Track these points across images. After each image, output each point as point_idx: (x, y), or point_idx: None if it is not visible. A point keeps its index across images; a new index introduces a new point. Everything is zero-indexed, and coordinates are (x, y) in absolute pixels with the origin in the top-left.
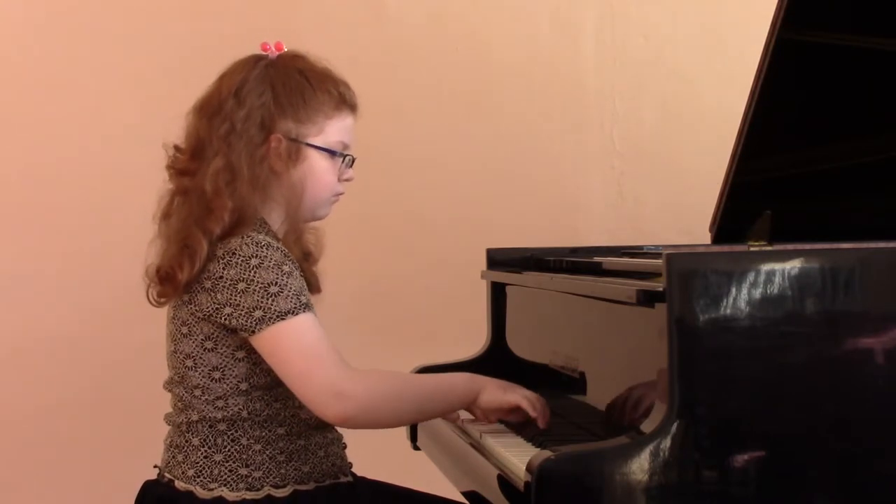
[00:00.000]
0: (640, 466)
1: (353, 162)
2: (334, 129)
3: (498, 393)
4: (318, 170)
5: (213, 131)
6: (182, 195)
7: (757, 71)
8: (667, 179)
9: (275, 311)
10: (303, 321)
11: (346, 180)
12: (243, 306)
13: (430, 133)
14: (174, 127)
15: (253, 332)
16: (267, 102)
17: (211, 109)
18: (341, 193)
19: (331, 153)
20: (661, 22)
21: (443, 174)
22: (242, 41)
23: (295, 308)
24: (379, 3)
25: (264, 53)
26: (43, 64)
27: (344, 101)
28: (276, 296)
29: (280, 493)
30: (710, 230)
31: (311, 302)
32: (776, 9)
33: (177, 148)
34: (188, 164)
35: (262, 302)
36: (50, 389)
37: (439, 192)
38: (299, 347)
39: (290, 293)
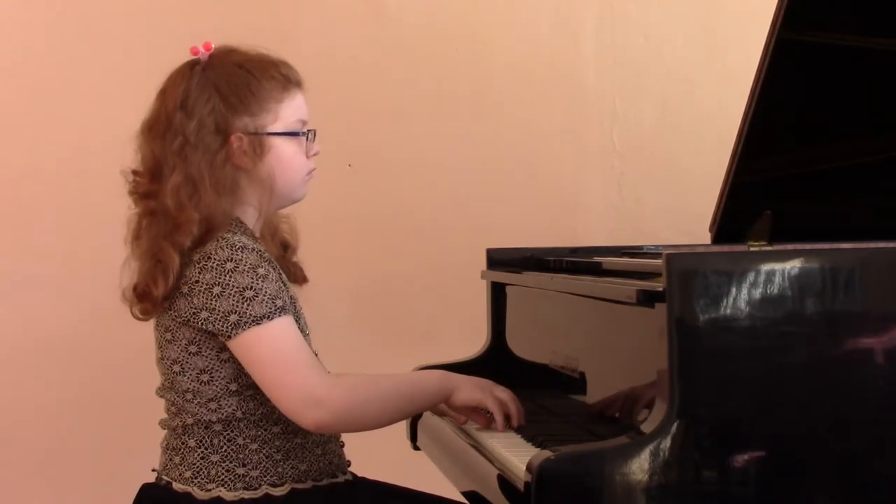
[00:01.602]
0: (640, 466)
1: (315, 136)
2: (289, 111)
3: (475, 393)
4: (286, 155)
5: (167, 148)
6: (149, 216)
7: (757, 71)
8: (667, 179)
9: (250, 315)
10: (278, 325)
11: (315, 155)
12: (219, 310)
13: (429, 133)
14: None
15: (229, 336)
16: (216, 106)
17: (161, 127)
18: (313, 169)
19: (293, 135)
20: (661, 22)
21: (443, 174)
22: (242, 41)
23: (270, 312)
24: (379, 3)
25: (195, 57)
26: (44, 64)
27: (289, 80)
28: (251, 300)
29: (278, 491)
30: (710, 230)
31: (289, 304)
32: (776, 9)
33: (135, 172)
34: (149, 186)
35: (237, 306)
36: (49, 391)
37: (439, 192)
38: (274, 352)
39: (266, 297)
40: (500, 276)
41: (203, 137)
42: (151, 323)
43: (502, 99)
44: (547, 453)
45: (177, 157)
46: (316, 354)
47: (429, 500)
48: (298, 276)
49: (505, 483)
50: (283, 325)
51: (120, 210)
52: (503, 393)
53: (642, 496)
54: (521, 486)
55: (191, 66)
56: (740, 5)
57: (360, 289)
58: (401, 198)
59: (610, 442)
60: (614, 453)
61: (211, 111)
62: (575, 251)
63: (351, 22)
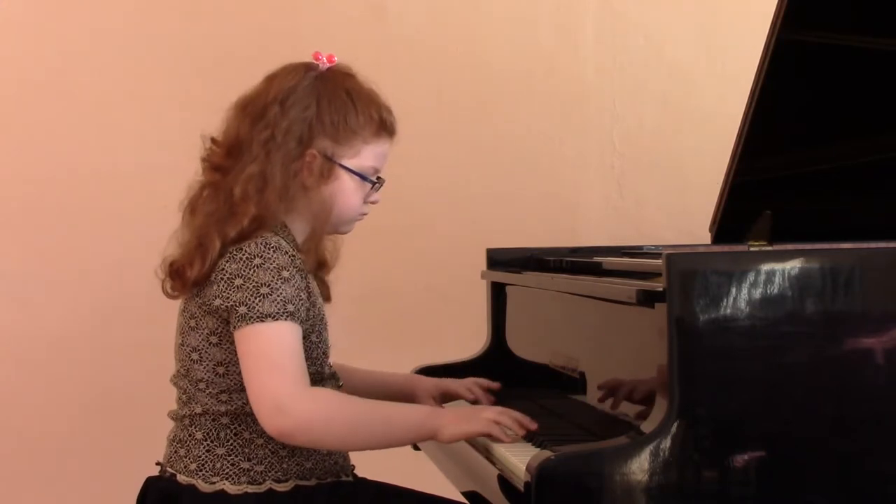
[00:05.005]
0: (640, 466)
1: (380, 187)
2: (369, 154)
3: (461, 427)
4: (346, 190)
5: (254, 135)
6: (212, 189)
7: (757, 71)
8: (667, 179)
9: (257, 311)
10: (279, 328)
11: (372, 202)
12: (232, 300)
13: (430, 133)
14: (176, 127)
15: (235, 327)
16: (309, 117)
17: (255, 111)
18: (365, 214)
19: (361, 177)
20: (661, 22)
21: (443, 174)
22: (243, 40)
23: (277, 314)
24: (379, 3)
25: (315, 63)
26: (44, 64)
27: (384, 127)
28: (264, 297)
29: (282, 487)
30: (710, 230)
31: (303, 314)
32: (776, 9)
33: (214, 141)
34: (223, 160)
35: (248, 300)
36: (52, 388)
37: (439, 192)
38: (264, 352)
39: (279, 298)
40: (500, 276)
41: (287, 140)
42: (152, 322)
43: (502, 99)
44: (547, 453)
45: (261, 148)
46: (329, 347)
47: (429, 500)
48: (324, 294)
49: (505, 483)
50: (284, 329)
51: (120, 210)
52: (491, 412)
53: (642, 496)
54: (521, 487)
55: (306, 69)
56: (740, 5)
57: (361, 289)
58: (401, 198)
59: (610, 442)
60: (614, 453)
61: (303, 119)
62: (575, 251)
63: (351, 23)
